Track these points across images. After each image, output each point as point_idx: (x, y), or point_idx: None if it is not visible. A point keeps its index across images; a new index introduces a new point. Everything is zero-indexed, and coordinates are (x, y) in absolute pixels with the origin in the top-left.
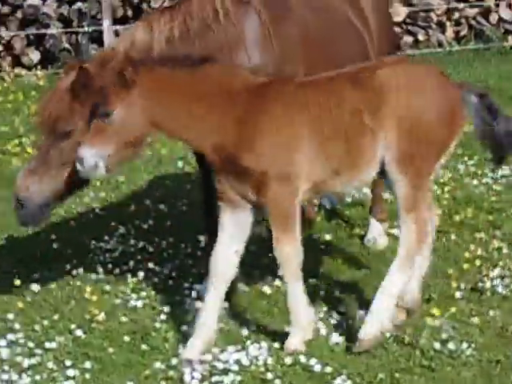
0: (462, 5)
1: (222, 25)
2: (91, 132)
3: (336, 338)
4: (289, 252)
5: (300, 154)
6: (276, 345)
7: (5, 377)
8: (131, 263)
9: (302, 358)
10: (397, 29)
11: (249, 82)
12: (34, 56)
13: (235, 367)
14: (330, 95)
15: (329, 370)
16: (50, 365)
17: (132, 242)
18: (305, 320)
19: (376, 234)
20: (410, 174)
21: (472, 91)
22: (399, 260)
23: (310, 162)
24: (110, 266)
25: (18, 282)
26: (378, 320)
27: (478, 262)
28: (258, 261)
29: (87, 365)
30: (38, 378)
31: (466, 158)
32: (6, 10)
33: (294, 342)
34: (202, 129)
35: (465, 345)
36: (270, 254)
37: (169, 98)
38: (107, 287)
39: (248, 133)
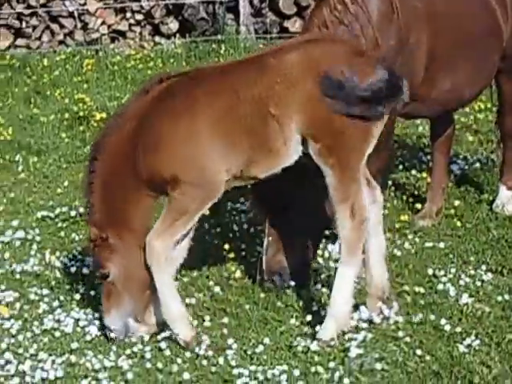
0: None
1: (353, 13)
2: (104, 298)
3: (465, 299)
4: (159, 248)
5: (206, 152)
6: (407, 304)
7: None
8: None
9: (432, 317)
10: None
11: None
12: (173, 25)
13: (367, 325)
14: (229, 85)
15: (458, 329)
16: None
17: None
18: (175, 314)
19: (504, 199)
20: (334, 166)
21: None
22: (344, 255)
23: (219, 156)
24: (245, 225)
25: None
26: (335, 318)
27: None
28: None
29: (225, 320)
30: None
31: None
32: None
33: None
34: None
35: None
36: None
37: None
38: (243, 246)
39: (151, 143)
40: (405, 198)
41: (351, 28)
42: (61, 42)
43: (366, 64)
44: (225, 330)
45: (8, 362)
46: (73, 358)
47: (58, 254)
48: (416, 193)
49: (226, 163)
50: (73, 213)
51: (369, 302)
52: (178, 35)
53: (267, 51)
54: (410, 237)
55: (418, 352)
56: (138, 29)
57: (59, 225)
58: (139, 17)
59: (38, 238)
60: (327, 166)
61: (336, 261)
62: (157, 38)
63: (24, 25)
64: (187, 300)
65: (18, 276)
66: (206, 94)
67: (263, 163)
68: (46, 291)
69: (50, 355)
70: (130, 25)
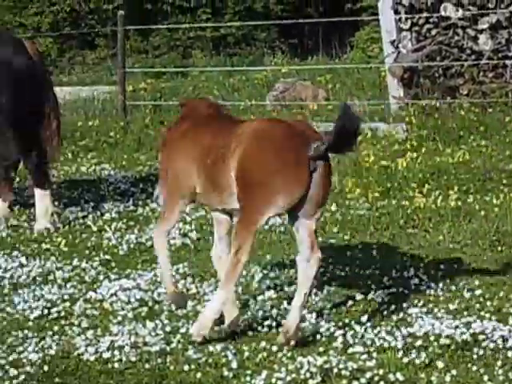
0: None
1: None
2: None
3: None
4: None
5: (177, 173)
6: None
7: None
8: None
9: None
10: None
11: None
12: None
13: None
14: (211, 136)
15: None
16: None
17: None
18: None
19: None
20: (241, 214)
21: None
22: (221, 280)
23: (185, 178)
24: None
25: None
26: (200, 320)
27: None
28: None
29: None
30: None
31: None
32: None
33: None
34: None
35: None
36: None
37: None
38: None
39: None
40: None
41: None
42: None
43: (300, 146)
44: None
45: None
46: None
47: None
48: None
49: (186, 186)
50: None
51: None
52: None
53: (247, 122)
54: None
55: None
56: None
57: None
58: None
59: None
60: (239, 212)
61: None
62: None
63: None
64: None
65: None
66: (201, 138)
67: (214, 197)
68: None
69: None
70: None
